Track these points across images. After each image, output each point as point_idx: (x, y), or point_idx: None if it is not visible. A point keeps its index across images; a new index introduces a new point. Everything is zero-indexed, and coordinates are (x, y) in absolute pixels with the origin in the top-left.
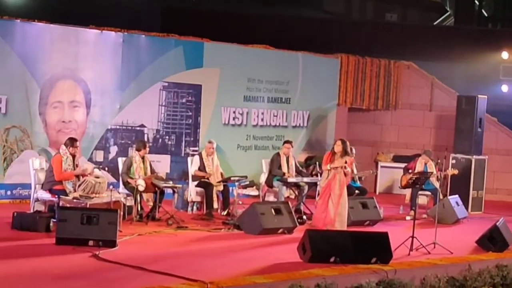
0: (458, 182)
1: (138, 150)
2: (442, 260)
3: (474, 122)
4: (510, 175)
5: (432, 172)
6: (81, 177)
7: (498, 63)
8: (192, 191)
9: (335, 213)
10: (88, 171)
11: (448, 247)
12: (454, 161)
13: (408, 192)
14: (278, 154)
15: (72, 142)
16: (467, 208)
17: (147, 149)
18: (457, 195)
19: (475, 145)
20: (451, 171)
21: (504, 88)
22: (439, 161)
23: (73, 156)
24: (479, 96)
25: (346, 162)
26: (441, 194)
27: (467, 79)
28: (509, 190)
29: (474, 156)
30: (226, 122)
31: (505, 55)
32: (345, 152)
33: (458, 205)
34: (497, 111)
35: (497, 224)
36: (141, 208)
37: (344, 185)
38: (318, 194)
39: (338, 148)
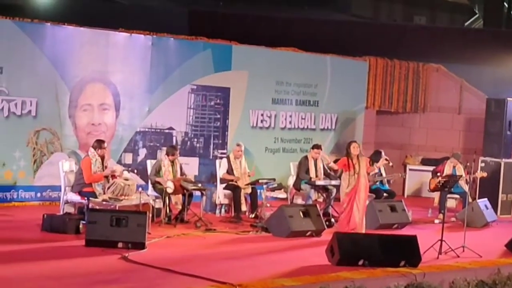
0: (487, 186)
1: (167, 154)
2: (471, 263)
3: (503, 125)
4: None
5: (461, 175)
6: (110, 179)
7: None
8: (220, 194)
9: (361, 218)
10: (117, 172)
11: (477, 251)
12: (483, 164)
13: (436, 195)
14: (306, 157)
15: (100, 144)
16: (496, 212)
17: (177, 155)
18: (486, 199)
19: (505, 148)
20: (480, 174)
21: None
22: (468, 164)
23: (102, 158)
24: (508, 99)
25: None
26: (470, 198)
27: (496, 82)
28: None
29: (504, 159)
30: (254, 125)
31: None
32: (360, 153)
33: (487, 208)
34: None
35: None
36: (170, 210)
37: (367, 189)
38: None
39: (355, 150)
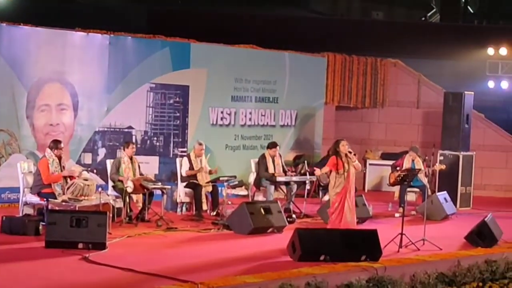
0: (446, 179)
1: (124, 149)
2: (431, 256)
3: (461, 118)
4: (498, 171)
5: (420, 169)
6: (69, 180)
7: (484, 59)
8: (181, 192)
9: (352, 217)
10: (76, 173)
11: (437, 244)
12: (442, 158)
13: (396, 189)
14: (263, 156)
15: (56, 144)
16: (455, 204)
17: (134, 149)
18: (445, 192)
19: (463, 141)
20: (438, 166)
21: (491, 84)
22: (426, 157)
23: (59, 158)
24: (465, 92)
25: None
26: (429, 191)
27: (453, 76)
28: (497, 186)
29: (462, 152)
30: (214, 123)
31: (491, 51)
32: (349, 152)
33: (446, 201)
34: (484, 107)
35: (486, 219)
36: (130, 209)
37: (354, 186)
38: (307, 193)
39: (344, 148)
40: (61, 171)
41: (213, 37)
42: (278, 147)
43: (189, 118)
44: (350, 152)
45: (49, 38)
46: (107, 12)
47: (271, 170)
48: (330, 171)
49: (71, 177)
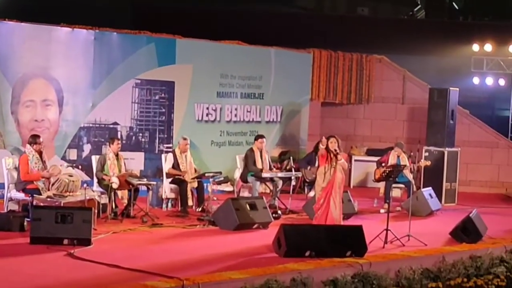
0: (431, 175)
1: (109, 145)
2: (416, 252)
3: (446, 114)
4: (482, 167)
5: (405, 165)
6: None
7: (469, 55)
8: (167, 188)
9: (338, 213)
10: (55, 173)
11: (422, 239)
12: (427, 154)
13: (382, 185)
14: (251, 150)
15: (34, 139)
16: (440, 200)
17: (119, 145)
18: (430, 188)
19: (448, 137)
20: (423, 163)
21: (476, 80)
22: (412, 153)
23: (39, 153)
24: (450, 88)
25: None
26: (414, 187)
27: (438, 72)
28: (482, 182)
29: (447, 148)
30: (200, 119)
31: (476, 47)
32: (339, 148)
33: (431, 197)
34: (469, 103)
35: (470, 215)
36: (116, 206)
37: (343, 182)
38: (293, 189)
39: (333, 145)
40: (42, 165)
41: (199, 33)
42: (264, 138)
43: (175, 114)
44: (336, 152)
45: (34, 34)
46: (92, 8)
47: (259, 165)
48: (318, 168)
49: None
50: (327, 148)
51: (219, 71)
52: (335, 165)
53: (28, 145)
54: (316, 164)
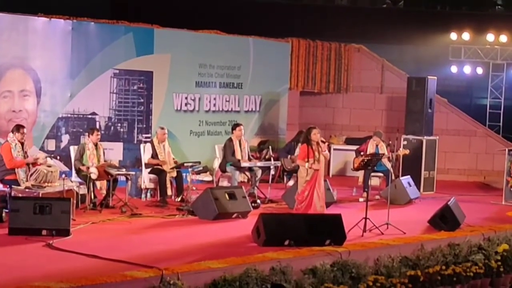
0: (410, 163)
1: (89, 135)
2: (395, 240)
3: (424, 103)
4: (460, 155)
5: (383, 154)
6: (31, 166)
7: (447, 44)
8: (146, 178)
9: (322, 206)
10: (40, 160)
11: (401, 228)
12: (405, 142)
13: (360, 174)
14: (230, 139)
15: (18, 128)
16: (419, 189)
17: (99, 135)
18: (409, 176)
19: (426, 126)
20: (402, 151)
21: (454, 69)
22: (390, 142)
23: (22, 144)
24: (429, 77)
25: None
26: (393, 175)
27: (417, 61)
28: (460, 170)
29: (425, 137)
30: (178, 108)
31: (453, 36)
32: (321, 141)
33: (410, 185)
34: (447, 92)
35: (449, 203)
36: (95, 196)
37: (323, 174)
38: (272, 178)
39: (315, 136)
40: (24, 156)
41: (177, 23)
42: (242, 126)
43: (153, 104)
44: (323, 142)
45: (11, 24)
46: None
47: (238, 155)
48: (298, 160)
49: (34, 164)
50: (307, 140)
51: (198, 61)
52: (318, 158)
53: (11, 134)
54: (296, 154)
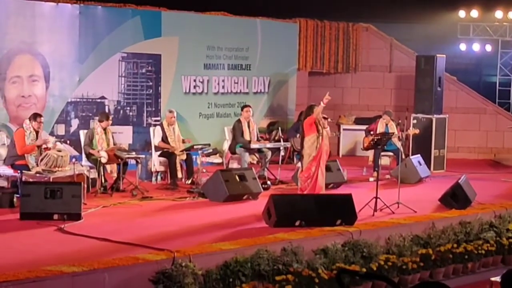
0: (420, 142)
1: (100, 121)
2: (406, 219)
3: (433, 81)
4: (470, 133)
5: (393, 133)
6: (43, 151)
7: (455, 22)
8: (156, 161)
9: (323, 181)
10: (50, 143)
11: (412, 206)
12: (415, 121)
13: (370, 153)
14: (239, 121)
15: (35, 117)
16: (429, 167)
17: (110, 121)
18: (419, 155)
19: (435, 104)
20: (412, 131)
21: (462, 46)
22: (400, 121)
23: (36, 132)
24: (437, 55)
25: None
26: (403, 154)
27: (425, 39)
28: (470, 148)
29: (435, 115)
30: (187, 91)
31: (462, 13)
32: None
33: (420, 164)
34: (456, 70)
35: (459, 181)
36: (105, 180)
37: (328, 150)
38: (282, 159)
39: (317, 113)
40: None
41: (184, 5)
42: (250, 108)
43: (162, 87)
44: (325, 118)
45: (18, 9)
46: None
47: (247, 136)
48: (303, 137)
49: (45, 149)
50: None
51: (206, 43)
52: (321, 133)
53: (27, 121)
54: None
